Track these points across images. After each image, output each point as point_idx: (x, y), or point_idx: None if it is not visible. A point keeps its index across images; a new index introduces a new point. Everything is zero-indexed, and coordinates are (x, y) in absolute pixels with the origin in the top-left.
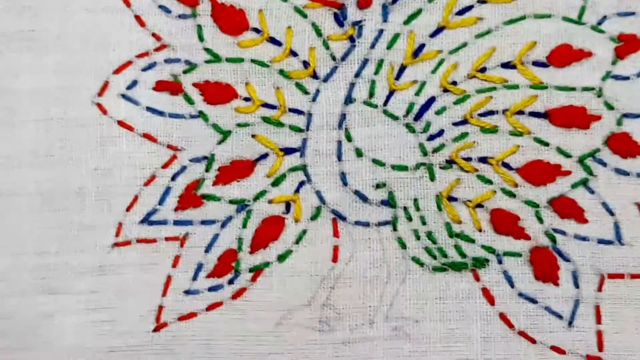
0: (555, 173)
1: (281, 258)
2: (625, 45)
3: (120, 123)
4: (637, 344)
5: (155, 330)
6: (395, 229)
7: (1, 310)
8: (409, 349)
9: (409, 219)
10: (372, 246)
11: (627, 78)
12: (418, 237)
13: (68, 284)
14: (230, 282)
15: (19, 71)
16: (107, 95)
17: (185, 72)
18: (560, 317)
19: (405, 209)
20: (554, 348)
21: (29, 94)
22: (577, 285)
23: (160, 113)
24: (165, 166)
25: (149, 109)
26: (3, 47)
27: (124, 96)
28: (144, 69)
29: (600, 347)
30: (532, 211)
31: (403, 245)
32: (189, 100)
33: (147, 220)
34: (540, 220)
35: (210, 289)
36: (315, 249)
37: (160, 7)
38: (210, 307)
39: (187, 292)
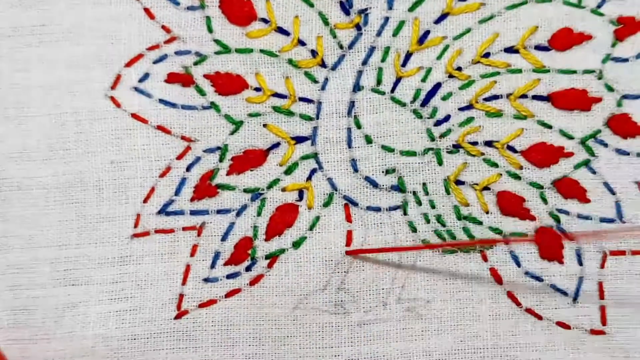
0: (558, 155)
1: (296, 244)
2: (624, 28)
3: (134, 116)
4: (638, 317)
5: (177, 317)
6: (405, 213)
7: (23, 303)
8: (421, 328)
9: (419, 203)
10: (383, 230)
11: (626, 60)
12: (428, 221)
13: (89, 275)
14: (248, 269)
15: (31, 65)
16: (120, 89)
17: (195, 63)
18: (565, 293)
19: (414, 193)
20: (560, 323)
21: (41, 88)
22: (580, 263)
23: (173, 105)
24: (179, 157)
25: (161, 101)
26: (14, 41)
27: (136, 89)
28: (155, 62)
29: (603, 322)
30: (536, 192)
31: (413, 229)
32: (201, 92)
33: (164, 211)
34: (545, 201)
35: (229, 276)
36: (328, 235)
37: None
38: (229, 294)
39: (206, 280)
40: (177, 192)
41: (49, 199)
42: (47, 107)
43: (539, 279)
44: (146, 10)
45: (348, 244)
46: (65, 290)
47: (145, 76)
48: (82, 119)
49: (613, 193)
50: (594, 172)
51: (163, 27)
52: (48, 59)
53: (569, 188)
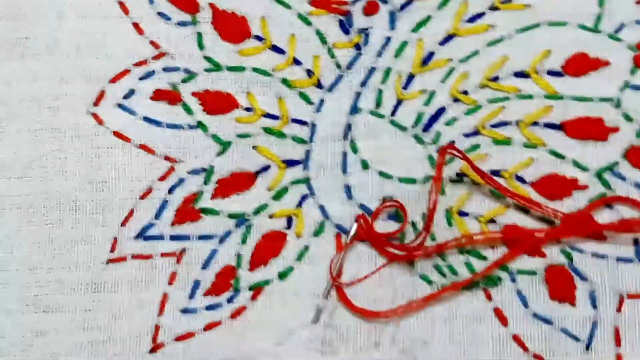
0: (571, 187)
1: (282, 275)
2: None
3: (116, 134)
4: None
5: (152, 351)
6: None
7: None
8: None
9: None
10: (378, 263)
11: None
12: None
13: (61, 302)
14: (229, 300)
15: (12, 79)
16: (103, 105)
17: (184, 81)
18: (577, 339)
19: (413, 224)
20: None
21: (22, 103)
22: (594, 306)
23: (158, 123)
24: (162, 178)
25: (146, 119)
26: None
27: (120, 106)
28: (142, 78)
29: None
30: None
31: (411, 263)
32: (188, 110)
33: (142, 235)
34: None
35: (208, 308)
36: (317, 266)
37: (160, 14)
38: (208, 327)
39: (185, 311)
40: (157, 216)
41: (22, 219)
42: (26, 122)
43: (548, 321)
44: (135, 24)
45: (338, 276)
46: (36, 317)
47: (131, 92)
48: (62, 135)
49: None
50: (611, 208)
51: (152, 42)
52: (30, 73)
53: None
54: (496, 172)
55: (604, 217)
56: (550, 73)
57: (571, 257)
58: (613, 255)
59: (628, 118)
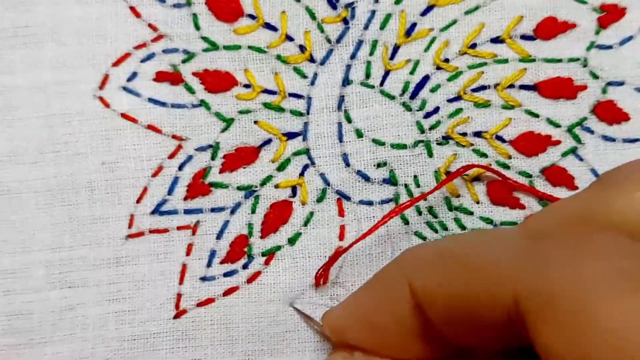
0: (546, 143)
1: (291, 241)
2: (608, 15)
3: (124, 115)
4: None
5: (176, 317)
6: None
7: (17, 308)
8: None
9: (410, 195)
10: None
11: (610, 47)
12: (420, 213)
13: (85, 277)
14: (245, 266)
15: (16, 68)
16: (108, 88)
17: (184, 61)
18: None
19: (406, 186)
20: None
21: (28, 90)
22: None
23: (163, 104)
24: (171, 156)
25: (151, 100)
26: None
27: (125, 88)
28: (143, 60)
29: None
30: (526, 181)
31: (406, 221)
32: (190, 90)
33: (158, 210)
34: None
35: (226, 275)
36: (323, 230)
37: None
38: (227, 292)
39: (203, 279)
40: (170, 192)
41: (40, 202)
42: (35, 109)
43: None
44: (132, 8)
45: (341, 238)
46: (62, 293)
47: (134, 75)
48: (71, 120)
49: None
50: (581, 159)
51: (150, 25)
52: (33, 61)
53: (557, 176)
54: (478, 134)
55: (575, 167)
56: (523, 37)
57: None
58: None
59: (594, 76)
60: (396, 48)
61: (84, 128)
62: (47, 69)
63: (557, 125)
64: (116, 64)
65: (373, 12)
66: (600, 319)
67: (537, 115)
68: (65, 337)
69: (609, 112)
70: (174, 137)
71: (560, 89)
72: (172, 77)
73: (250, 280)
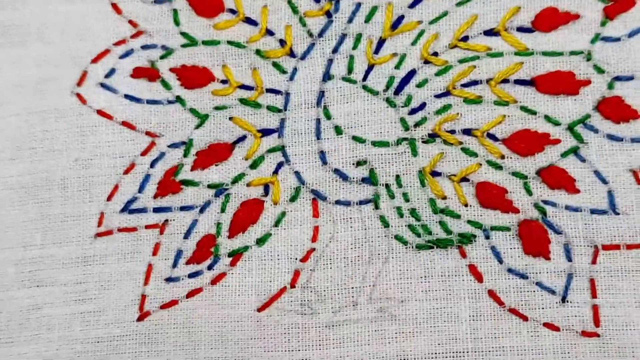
0: (543, 142)
1: (260, 242)
2: (615, 5)
3: (100, 112)
4: (635, 317)
5: (139, 319)
6: (377, 207)
7: None
8: (395, 330)
9: (391, 196)
10: (353, 226)
11: (617, 39)
12: (401, 215)
13: (54, 276)
14: (210, 267)
15: (1, 66)
16: (86, 85)
17: (162, 57)
18: (553, 292)
19: (387, 186)
20: (547, 325)
21: (11, 88)
22: (569, 259)
23: (138, 100)
24: (144, 153)
25: (127, 96)
26: None
27: (102, 85)
28: (122, 57)
29: (596, 323)
30: (520, 183)
31: (385, 224)
32: (167, 86)
33: (127, 208)
34: (529, 192)
35: (190, 275)
36: (294, 231)
37: None
38: (191, 294)
39: (168, 280)
40: (140, 189)
41: (14, 200)
42: (16, 107)
43: (523, 276)
44: (113, 5)
45: (314, 240)
46: (30, 292)
47: (112, 72)
48: (49, 117)
49: (605, 182)
50: (583, 160)
51: (130, 21)
52: (18, 59)
53: (556, 177)
54: (468, 131)
55: (576, 169)
56: (520, 30)
57: (544, 211)
58: (587, 207)
59: (599, 70)
60: (381, 42)
61: (60, 125)
62: (31, 67)
63: (557, 123)
64: (95, 60)
65: (358, 5)
66: None
67: (534, 112)
68: (31, 337)
69: (615, 109)
70: (147, 133)
71: (560, 84)
72: (149, 73)
73: (214, 281)
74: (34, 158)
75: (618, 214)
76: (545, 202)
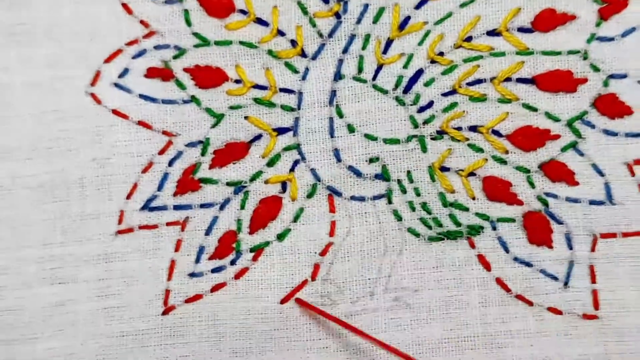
0: (544, 138)
1: (280, 237)
2: (609, 6)
3: (115, 112)
4: (632, 300)
5: (164, 313)
6: (390, 202)
7: (8, 304)
8: (410, 318)
9: (403, 191)
10: (368, 220)
11: (612, 39)
12: (413, 209)
13: (75, 273)
14: (232, 262)
15: (11, 65)
16: (100, 85)
17: (175, 57)
18: (555, 278)
19: (399, 181)
20: (551, 309)
21: (22, 87)
22: (570, 247)
23: (154, 100)
24: (161, 152)
25: (142, 96)
26: None
27: (116, 85)
28: (135, 57)
29: (596, 306)
30: (523, 177)
31: (398, 218)
32: (181, 86)
33: (147, 206)
34: (532, 185)
35: (214, 271)
36: (313, 227)
37: None
38: (215, 288)
39: (192, 275)
40: (159, 188)
41: (32, 198)
42: (29, 106)
43: (528, 264)
44: (124, 5)
45: (332, 234)
46: (53, 289)
47: (125, 72)
48: (64, 117)
49: (602, 175)
50: (581, 154)
51: (141, 21)
52: (28, 58)
53: (557, 171)
54: (473, 128)
55: (575, 163)
56: (521, 30)
57: (547, 202)
58: (586, 198)
59: (595, 68)
60: (389, 42)
61: (76, 125)
62: (42, 67)
63: (557, 119)
64: (108, 60)
65: (366, 6)
66: None
67: (535, 109)
68: (55, 333)
69: (610, 106)
70: (164, 133)
71: (559, 82)
72: (163, 73)
73: (237, 276)
74: (50, 157)
75: (614, 204)
76: (547, 194)
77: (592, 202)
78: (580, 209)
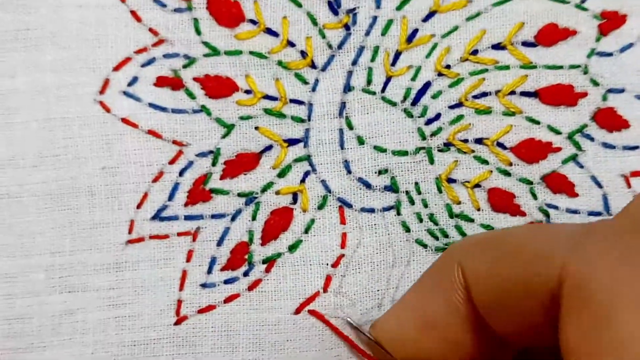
0: (546, 150)
1: (292, 248)
2: (608, 22)
3: (124, 120)
4: None
5: (177, 323)
6: (399, 213)
7: (15, 312)
8: None
9: (412, 202)
10: (377, 231)
11: (610, 54)
12: (421, 220)
13: (85, 282)
14: (245, 274)
15: (16, 71)
16: (109, 93)
17: (184, 66)
18: None
19: (407, 193)
20: None
21: (28, 94)
22: None
23: (163, 109)
24: (172, 162)
25: (151, 105)
26: None
27: (125, 93)
28: (144, 65)
29: None
30: (526, 188)
31: (407, 229)
32: (191, 95)
33: (158, 216)
34: (535, 196)
35: (226, 282)
36: (324, 238)
37: (156, 1)
38: (228, 299)
39: (204, 286)
40: (170, 197)
41: (40, 206)
42: (35, 113)
43: None
44: (132, 12)
45: (343, 246)
46: (62, 298)
47: (134, 80)
48: (71, 124)
49: (600, 186)
50: (581, 167)
51: (150, 29)
52: (34, 64)
53: (558, 183)
54: (479, 140)
55: (575, 174)
56: (525, 44)
57: (548, 213)
58: (585, 209)
59: (595, 83)
60: (398, 54)
61: (84, 132)
62: (48, 73)
63: (558, 132)
64: (117, 68)
65: (375, 18)
66: (620, 327)
67: (537, 122)
68: (64, 341)
69: (609, 119)
70: (174, 142)
71: (561, 96)
72: (172, 82)
73: (251, 287)
74: (58, 165)
75: (612, 215)
76: (549, 205)
77: (590, 213)
78: (579, 219)
